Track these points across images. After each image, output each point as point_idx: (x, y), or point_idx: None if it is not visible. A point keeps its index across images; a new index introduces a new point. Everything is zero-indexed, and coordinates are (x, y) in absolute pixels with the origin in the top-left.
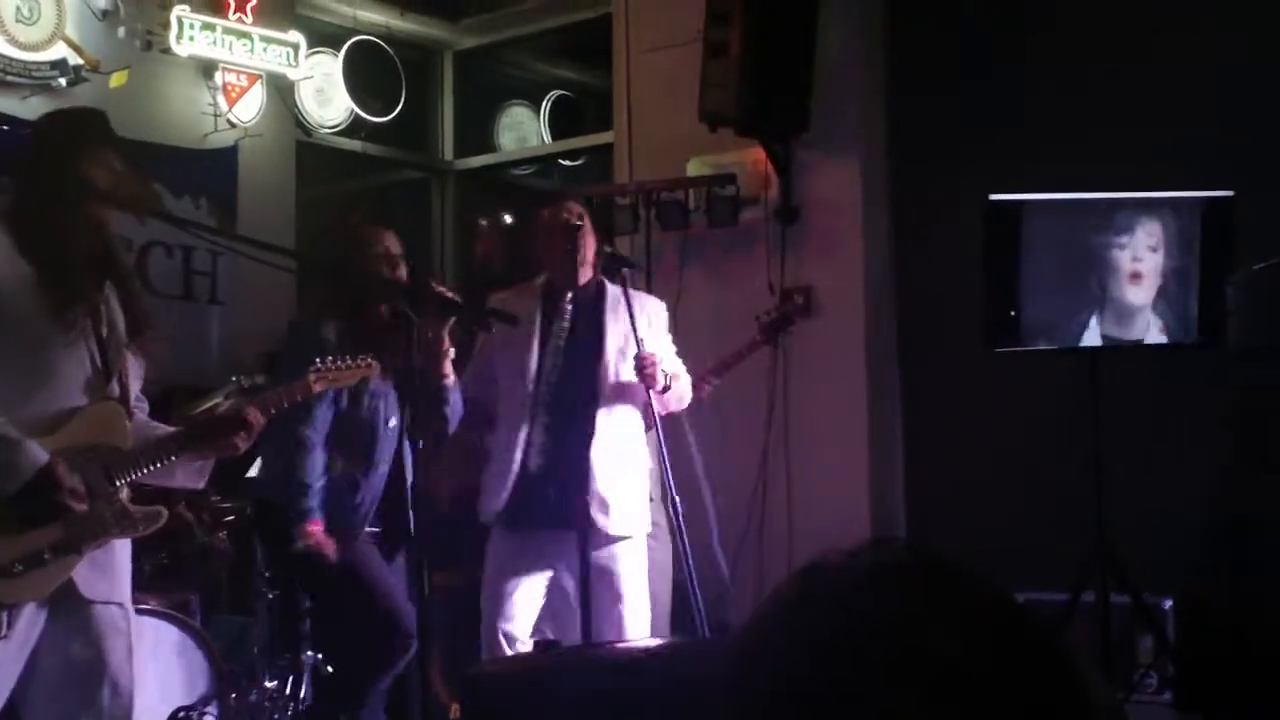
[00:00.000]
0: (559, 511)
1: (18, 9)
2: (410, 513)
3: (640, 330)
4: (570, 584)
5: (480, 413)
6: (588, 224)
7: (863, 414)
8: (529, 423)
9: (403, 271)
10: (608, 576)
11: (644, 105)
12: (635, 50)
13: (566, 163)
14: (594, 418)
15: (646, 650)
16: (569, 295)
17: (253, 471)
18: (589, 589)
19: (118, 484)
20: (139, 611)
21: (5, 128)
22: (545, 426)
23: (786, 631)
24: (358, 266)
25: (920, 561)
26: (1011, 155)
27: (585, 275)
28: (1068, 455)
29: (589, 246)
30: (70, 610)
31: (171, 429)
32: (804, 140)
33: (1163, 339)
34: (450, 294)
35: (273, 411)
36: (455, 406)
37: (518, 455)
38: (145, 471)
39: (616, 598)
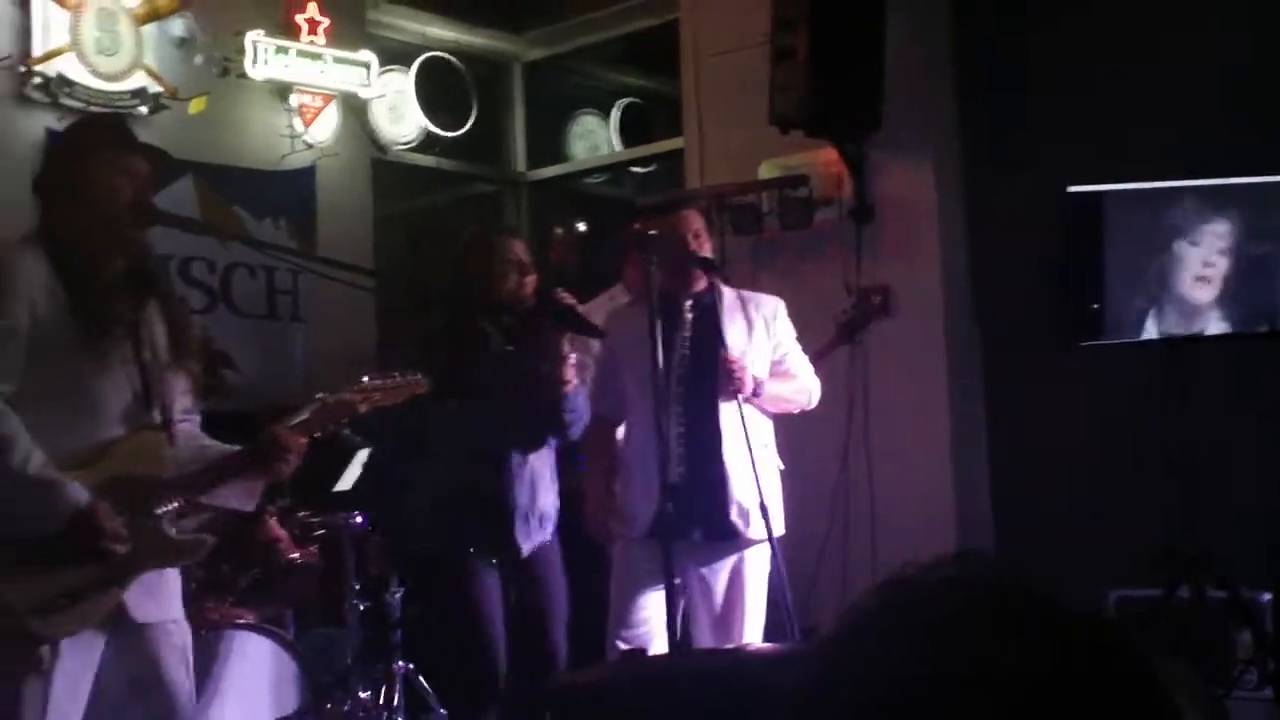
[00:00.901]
0: (702, 520)
1: (98, 40)
2: (514, 529)
3: (757, 331)
4: (715, 588)
5: (603, 427)
6: (701, 229)
7: (944, 412)
8: (665, 434)
9: (532, 279)
10: (739, 582)
11: (714, 110)
12: (703, 55)
13: (638, 170)
14: (723, 423)
15: (730, 658)
16: (689, 303)
17: (343, 485)
18: (674, 596)
19: (159, 514)
20: (236, 626)
21: None
22: (680, 436)
23: (867, 644)
24: (487, 274)
25: (1000, 576)
26: (1087, 146)
27: (699, 282)
28: (1157, 449)
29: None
30: (125, 632)
31: (219, 448)
32: (876, 139)
33: (1226, 328)
34: (571, 301)
35: (317, 435)
36: (579, 411)
37: (657, 467)
38: (186, 500)
39: (743, 603)
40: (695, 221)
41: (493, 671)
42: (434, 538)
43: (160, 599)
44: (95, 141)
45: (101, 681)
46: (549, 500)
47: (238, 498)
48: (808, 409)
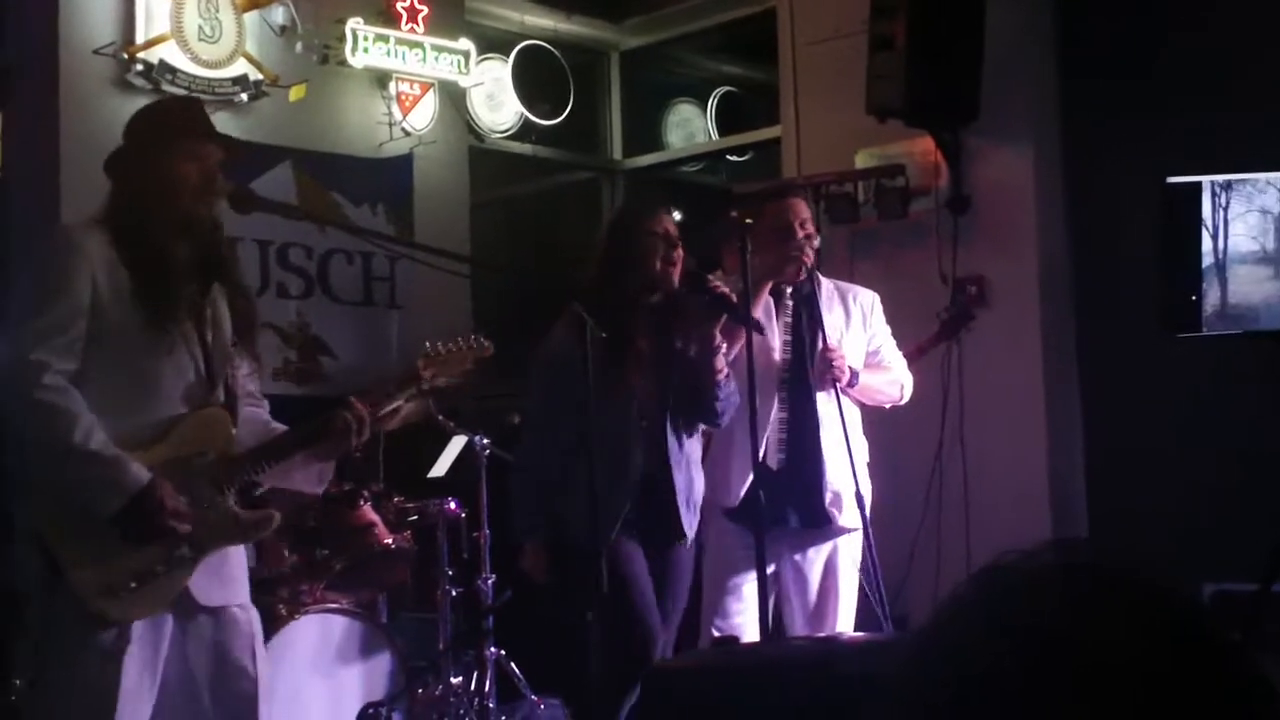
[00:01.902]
0: (797, 505)
1: (200, 29)
2: (679, 513)
3: (854, 322)
4: (810, 576)
5: None
6: (808, 218)
7: (1040, 403)
8: (767, 420)
9: (680, 254)
10: (833, 571)
11: (810, 98)
12: (800, 44)
13: (734, 158)
14: (821, 411)
15: (826, 646)
16: (789, 291)
17: (437, 471)
18: (766, 584)
19: (226, 492)
20: (329, 611)
21: None
22: (782, 421)
23: (965, 633)
24: (635, 250)
25: (1097, 564)
26: (1189, 135)
27: (800, 271)
28: (1254, 441)
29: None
30: (191, 617)
31: (285, 430)
32: (974, 128)
33: None
34: (724, 288)
35: (382, 403)
36: (729, 399)
37: (758, 452)
38: (253, 476)
39: (836, 592)
40: (803, 210)
41: (649, 651)
42: (597, 526)
43: (225, 582)
44: (167, 126)
45: (170, 667)
46: (700, 486)
47: (306, 480)
48: (899, 403)
